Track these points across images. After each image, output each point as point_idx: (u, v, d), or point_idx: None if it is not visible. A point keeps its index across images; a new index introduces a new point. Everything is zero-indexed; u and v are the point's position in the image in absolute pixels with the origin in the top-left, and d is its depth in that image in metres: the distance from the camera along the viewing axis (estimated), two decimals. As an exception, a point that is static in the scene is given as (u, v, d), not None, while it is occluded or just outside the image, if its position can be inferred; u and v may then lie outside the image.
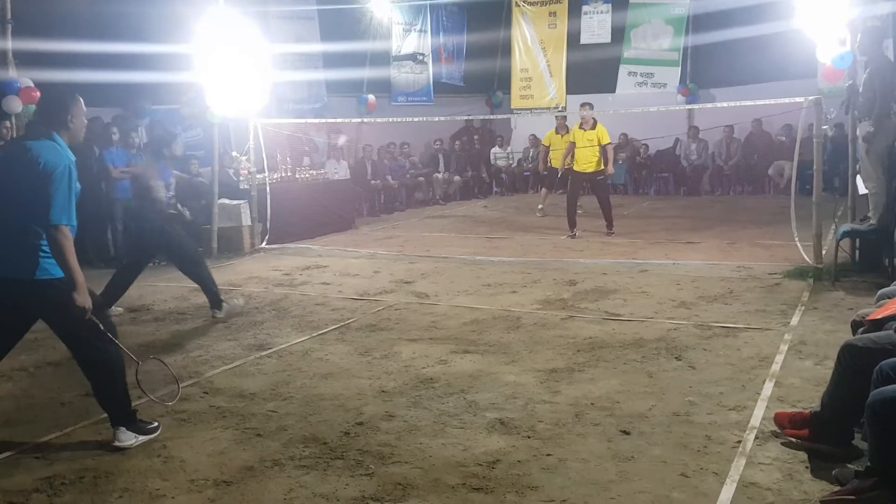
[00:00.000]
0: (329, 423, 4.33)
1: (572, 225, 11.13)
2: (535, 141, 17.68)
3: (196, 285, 7.07)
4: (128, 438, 4.09)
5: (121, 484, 3.64)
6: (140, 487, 3.60)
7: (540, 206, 13.38)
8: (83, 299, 3.86)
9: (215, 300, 6.93)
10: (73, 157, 3.96)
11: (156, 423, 4.27)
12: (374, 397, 4.72)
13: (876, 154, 7.41)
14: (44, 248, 3.85)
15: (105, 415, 4.21)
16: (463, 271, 8.65)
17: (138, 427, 4.16)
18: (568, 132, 11.24)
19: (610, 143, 11.24)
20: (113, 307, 6.88)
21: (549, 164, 13.33)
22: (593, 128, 11.00)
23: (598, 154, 10.98)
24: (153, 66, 10.04)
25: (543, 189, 13.71)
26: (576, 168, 11.18)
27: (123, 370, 4.16)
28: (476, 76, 18.45)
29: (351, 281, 8.25)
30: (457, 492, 3.47)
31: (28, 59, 8.85)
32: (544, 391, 4.73)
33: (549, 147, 13.50)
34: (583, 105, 11.21)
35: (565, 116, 13.23)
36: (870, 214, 7.56)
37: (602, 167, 11.07)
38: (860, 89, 7.60)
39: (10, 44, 8.73)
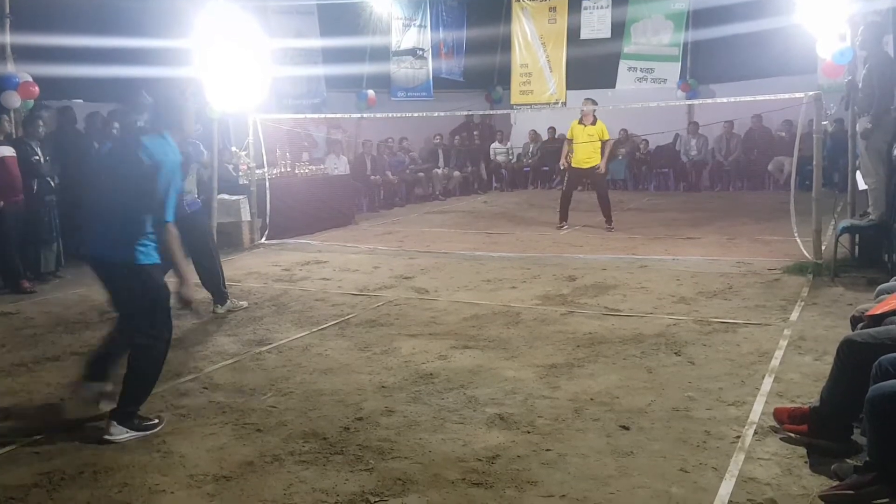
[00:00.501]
0: (329, 418, 4.33)
1: (563, 218, 11.25)
2: (534, 136, 17.69)
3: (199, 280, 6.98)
4: (119, 434, 4.10)
5: (120, 479, 3.64)
6: (139, 482, 3.60)
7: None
8: (188, 291, 4.21)
9: (220, 295, 6.91)
10: (180, 156, 4.20)
11: (156, 420, 4.28)
12: (373, 392, 4.73)
13: (875, 150, 7.40)
14: (145, 237, 4.10)
15: (106, 409, 4.21)
16: (463, 267, 8.65)
17: (134, 424, 4.17)
18: (595, 122, 11.13)
19: (610, 140, 11.23)
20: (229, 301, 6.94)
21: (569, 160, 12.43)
22: (593, 123, 11.02)
23: (597, 150, 11.01)
24: (152, 61, 10.00)
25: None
26: (574, 164, 11.19)
27: (160, 371, 4.33)
28: (476, 71, 18.43)
29: (350, 276, 8.25)
30: (456, 487, 3.47)
31: (27, 54, 8.83)
32: (544, 386, 4.73)
33: (572, 140, 12.64)
34: (586, 100, 11.24)
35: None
36: (869, 210, 7.56)
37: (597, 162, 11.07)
38: (860, 85, 7.59)
39: (8, 38, 8.70)
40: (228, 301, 6.94)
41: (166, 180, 4.05)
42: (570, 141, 11.31)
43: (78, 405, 4.42)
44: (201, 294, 6.44)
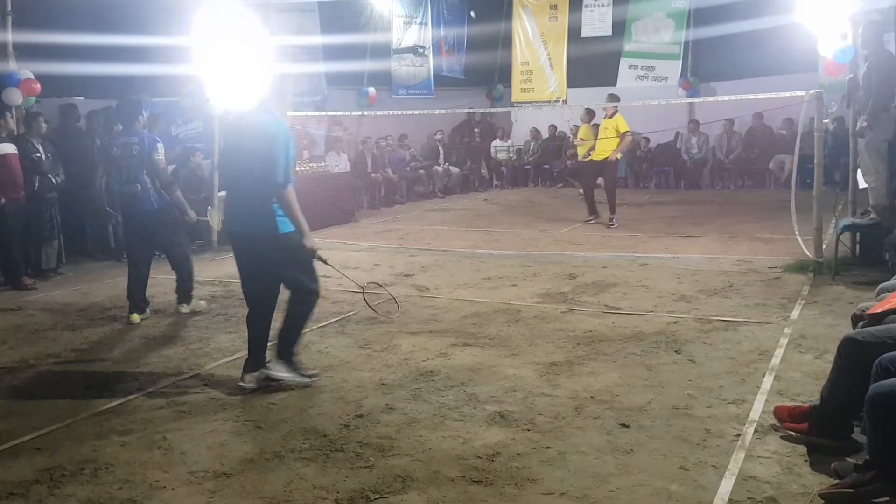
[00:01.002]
0: (329, 415, 4.34)
1: (592, 211, 11.56)
2: (535, 134, 17.67)
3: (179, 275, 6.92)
4: (280, 370, 4.79)
5: (120, 475, 3.65)
6: (140, 479, 3.60)
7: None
8: (311, 243, 4.76)
9: (186, 294, 6.86)
10: (288, 127, 4.77)
11: (316, 372, 4.87)
12: (373, 390, 4.73)
13: (874, 148, 7.40)
14: (277, 209, 4.65)
15: (107, 406, 4.25)
16: (463, 264, 8.65)
17: (296, 367, 4.83)
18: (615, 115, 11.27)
19: (628, 132, 11.34)
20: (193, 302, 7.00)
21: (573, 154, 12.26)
22: (611, 117, 11.20)
23: (615, 143, 11.18)
24: (153, 59, 10.00)
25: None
26: (593, 157, 11.37)
27: (312, 316, 4.94)
28: (477, 69, 18.41)
29: (351, 274, 8.21)
30: (456, 484, 3.48)
31: (28, 51, 8.83)
32: (544, 384, 4.73)
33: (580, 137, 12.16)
34: (609, 96, 11.44)
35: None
36: (870, 208, 7.56)
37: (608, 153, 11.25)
38: (860, 83, 7.59)
39: (10, 36, 8.70)
40: (193, 300, 6.90)
41: (284, 148, 4.60)
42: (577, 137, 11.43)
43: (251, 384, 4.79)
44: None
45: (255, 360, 4.86)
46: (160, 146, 6.58)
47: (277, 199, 4.62)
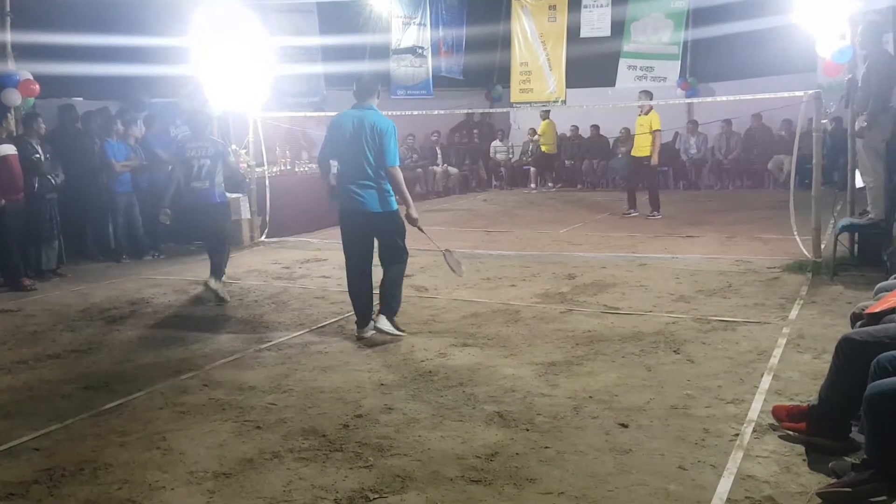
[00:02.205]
0: (328, 415, 4.34)
1: (631, 206, 12.22)
2: (534, 134, 17.67)
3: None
4: (387, 325, 5.79)
5: (120, 475, 3.65)
6: (139, 479, 3.61)
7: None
8: (415, 213, 5.93)
9: (220, 270, 7.34)
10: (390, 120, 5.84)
11: (405, 331, 5.85)
12: (373, 390, 4.74)
13: (872, 148, 7.41)
14: (388, 189, 5.74)
15: (106, 406, 4.26)
16: (462, 264, 8.63)
17: (395, 324, 5.86)
18: (650, 111, 11.74)
19: (658, 131, 11.73)
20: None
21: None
22: (646, 113, 11.75)
23: (649, 140, 11.69)
24: (152, 60, 10.02)
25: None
26: (633, 153, 12.13)
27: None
28: (475, 70, 18.41)
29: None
30: (455, 484, 3.48)
31: (27, 52, 8.84)
32: (543, 384, 4.74)
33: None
34: (642, 93, 11.90)
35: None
36: (868, 209, 7.57)
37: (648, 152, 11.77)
38: (859, 83, 7.60)
39: (9, 36, 8.70)
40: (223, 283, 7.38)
41: (393, 136, 5.75)
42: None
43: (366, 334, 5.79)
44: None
45: (365, 320, 5.88)
46: (231, 150, 8.02)
47: (391, 178, 5.71)
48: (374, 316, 5.87)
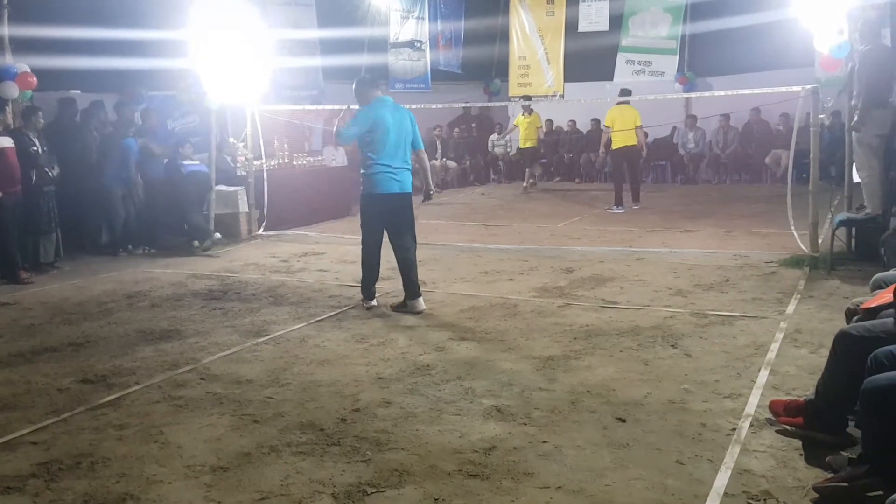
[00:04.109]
0: (326, 409, 4.35)
1: (618, 202, 12.32)
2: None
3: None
4: (421, 304, 6.42)
5: (117, 469, 3.65)
6: (137, 473, 3.61)
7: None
8: (430, 187, 6.90)
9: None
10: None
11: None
12: (370, 384, 4.74)
13: (866, 144, 7.42)
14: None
15: (104, 400, 4.24)
16: (460, 259, 8.66)
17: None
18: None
19: (640, 126, 12.35)
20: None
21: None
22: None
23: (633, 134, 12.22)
24: (150, 53, 10.00)
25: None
26: (615, 147, 12.36)
27: None
28: (474, 64, 18.40)
29: (348, 268, 8.25)
30: (453, 478, 3.49)
31: (24, 45, 8.81)
32: (541, 378, 4.75)
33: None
34: (623, 91, 12.63)
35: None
36: (865, 203, 7.58)
37: (634, 143, 12.27)
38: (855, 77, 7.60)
39: (6, 30, 8.67)
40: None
41: (416, 124, 6.51)
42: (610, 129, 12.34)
43: None
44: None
45: (373, 292, 6.62)
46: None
47: (422, 159, 6.66)
48: (407, 301, 6.44)
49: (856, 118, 7.38)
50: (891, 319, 3.53)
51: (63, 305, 6.98)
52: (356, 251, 9.20)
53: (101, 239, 9.61)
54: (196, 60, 9.58)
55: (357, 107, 6.55)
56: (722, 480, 3.38)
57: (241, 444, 3.91)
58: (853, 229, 7.85)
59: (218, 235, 9.74)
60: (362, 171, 6.42)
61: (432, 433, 3.97)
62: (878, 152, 7.43)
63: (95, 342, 5.80)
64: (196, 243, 9.51)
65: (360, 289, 6.71)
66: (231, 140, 11.25)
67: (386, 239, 6.53)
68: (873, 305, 3.81)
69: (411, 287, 6.46)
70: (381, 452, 3.76)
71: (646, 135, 13.24)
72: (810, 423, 3.72)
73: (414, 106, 13.72)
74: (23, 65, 8.58)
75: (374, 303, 6.58)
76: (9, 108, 8.33)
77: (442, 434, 3.96)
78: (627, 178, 12.74)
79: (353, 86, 6.47)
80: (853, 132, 7.53)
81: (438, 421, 4.13)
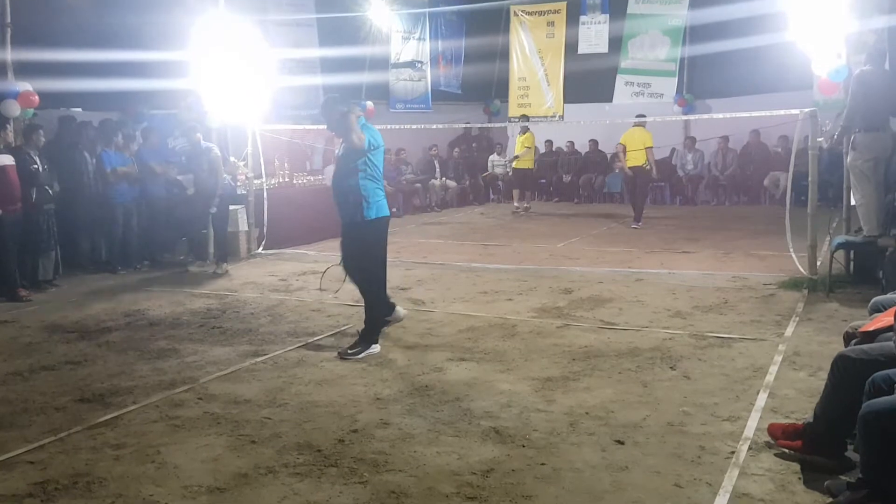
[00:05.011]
0: (323, 430, 4.33)
1: (638, 218, 12.81)
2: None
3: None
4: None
5: (114, 489, 3.64)
6: (134, 493, 3.59)
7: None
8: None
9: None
10: None
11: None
12: (368, 404, 4.73)
13: (857, 167, 7.45)
14: None
15: (101, 419, 4.27)
16: (459, 278, 8.67)
17: None
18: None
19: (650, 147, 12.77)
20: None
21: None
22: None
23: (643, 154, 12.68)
24: (152, 74, 10.05)
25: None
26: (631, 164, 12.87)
27: None
28: (474, 84, 18.50)
29: (346, 287, 8.22)
30: (451, 500, 3.47)
31: (27, 69, 8.88)
32: (539, 400, 4.74)
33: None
34: (639, 115, 13.01)
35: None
36: (862, 225, 7.60)
37: (643, 162, 12.69)
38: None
39: (9, 55, 8.72)
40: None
41: None
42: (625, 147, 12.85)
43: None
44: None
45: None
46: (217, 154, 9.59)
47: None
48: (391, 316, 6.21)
49: (835, 136, 7.46)
50: (890, 343, 3.54)
51: (61, 323, 6.97)
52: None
53: (101, 256, 9.62)
54: (198, 80, 9.64)
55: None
56: (720, 504, 3.37)
57: (239, 464, 3.90)
58: (852, 252, 7.86)
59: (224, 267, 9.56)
60: (364, 192, 5.94)
61: (430, 455, 3.96)
62: (875, 175, 7.44)
63: (93, 361, 5.79)
64: (214, 267, 9.46)
65: (365, 330, 5.94)
66: (232, 159, 11.28)
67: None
68: (871, 329, 3.81)
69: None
70: (378, 474, 3.75)
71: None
72: (809, 446, 3.72)
73: (414, 126, 13.89)
74: (25, 83, 8.63)
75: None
76: (10, 127, 8.36)
77: (440, 455, 3.95)
78: (632, 196, 13.27)
79: (325, 105, 6.16)
80: (851, 152, 7.56)
81: (436, 442, 4.12)
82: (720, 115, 12.45)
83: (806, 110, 8.07)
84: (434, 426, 4.34)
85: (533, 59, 17.69)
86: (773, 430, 3.94)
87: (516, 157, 15.38)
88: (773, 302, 7.18)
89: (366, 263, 6.06)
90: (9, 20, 8.74)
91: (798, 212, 8.63)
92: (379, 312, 6.05)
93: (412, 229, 13.17)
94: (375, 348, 5.87)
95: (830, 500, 3.28)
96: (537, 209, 15.69)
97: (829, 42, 7.77)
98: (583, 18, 16.93)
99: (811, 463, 3.68)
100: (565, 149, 17.53)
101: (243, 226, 10.50)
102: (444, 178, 16.47)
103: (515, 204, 15.20)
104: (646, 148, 12.69)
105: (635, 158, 12.78)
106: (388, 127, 13.77)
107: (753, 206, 14.98)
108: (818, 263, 7.87)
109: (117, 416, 4.60)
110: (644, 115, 13.10)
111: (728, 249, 10.06)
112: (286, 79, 12.77)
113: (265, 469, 3.83)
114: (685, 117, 15.05)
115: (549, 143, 17.61)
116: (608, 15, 16.73)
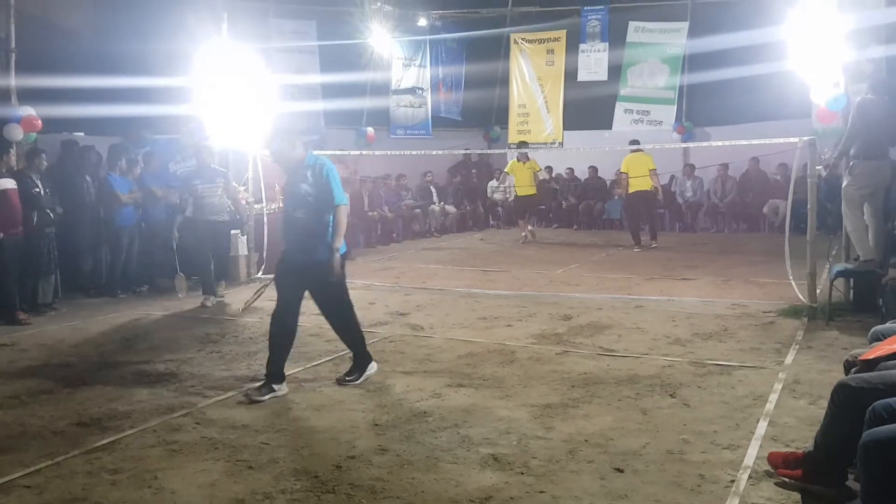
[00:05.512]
0: (321, 456, 4.31)
1: (637, 242, 13.15)
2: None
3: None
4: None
5: (110, 515, 3.61)
6: (130, 519, 3.57)
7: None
8: None
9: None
10: None
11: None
12: (366, 430, 4.71)
13: (849, 196, 7.49)
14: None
15: (98, 443, 4.18)
16: (458, 304, 8.66)
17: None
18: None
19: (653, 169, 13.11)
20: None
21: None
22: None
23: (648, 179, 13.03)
24: (154, 99, 10.12)
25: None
26: (632, 191, 13.13)
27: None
28: (474, 111, 18.63)
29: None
30: (449, 528, 3.45)
31: (30, 95, 8.96)
32: (538, 427, 4.72)
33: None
34: (633, 141, 13.34)
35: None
36: (856, 251, 7.62)
37: (650, 186, 13.05)
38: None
39: (13, 81, 8.79)
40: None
41: None
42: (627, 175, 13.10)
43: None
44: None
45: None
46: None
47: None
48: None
49: (831, 161, 7.51)
50: (891, 372, 3.53)
51: (60, 347, 6.96)
52: (354, 295, 9.10)
53: (101, 279, 9.62)
54: (200, 106, 9.70)
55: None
56: (721, 533, 3.34)
57: (236, 490, 3.87)
58: (851, 280, 7.86)
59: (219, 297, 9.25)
60: (332, 228, 5.76)
61: (428, 482, 3.93)
62: (873, 203, 7.46)
63: (91, 384, 5.77)
64: (211, 299, 8.98)
65: (356, 356, 5.88)
66: (233, 184, 11.31)
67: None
68: (872, 357, 3.80)
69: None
70: (376, 500, 3.72)
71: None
72: (809, 475, 3.70)
73: (415, 152, 13.97)
74: (28, 108, 8.69)
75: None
76: (13, 151, 8.41)
77: (438, 483, 3.92)
78: (645, 220, 13.54)
79: (277, 138, 5.92)
80: (846, 178, 7.60)
81: (434, 469, 4.09)
82: (719, 143, 12.50)
83: (805, 138, 8.12)
84: (432, 453, 4.32)
85: (533, 86, 17.84)
86: (774, 459, 3.92)
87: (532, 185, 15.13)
88: (772, 330, 7.17)
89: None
90: (13, 45, 8.83)
91: (797, 239, 8.65)
92: (358, 331, 5.96)
93: (411, 254, 13.19)
94: (373, 367, 5.81)
95: (831, 529, 3.26)
96: (536, 235, 15.71)
97: (827, 71, 7.84)
98: (582, 46, 17.09)
99: (812, 492, 3.66)
100: (565, 175, 17.60)
101: (243, 250, 10.51)
102: (443, 204, 16.52)
103: (524, 233, 14.82)
104: (650, 171, 12.92)
105: (642, 183, 12.97)
106: (389, 153, 13.91)
107: (753, 233, 15.01)
108: (818, 291, 7.87)
109: (115, 441, 4.58)
110: (638, 142, 13.26)
111: (728, 277, 10.06)
112: (287, 104, 12.86)
113: (262, 495, 3.81)
114: (684, 144, 15.12)
115: (548, 169, 17.68)
116: (607, 43, 16.89)
